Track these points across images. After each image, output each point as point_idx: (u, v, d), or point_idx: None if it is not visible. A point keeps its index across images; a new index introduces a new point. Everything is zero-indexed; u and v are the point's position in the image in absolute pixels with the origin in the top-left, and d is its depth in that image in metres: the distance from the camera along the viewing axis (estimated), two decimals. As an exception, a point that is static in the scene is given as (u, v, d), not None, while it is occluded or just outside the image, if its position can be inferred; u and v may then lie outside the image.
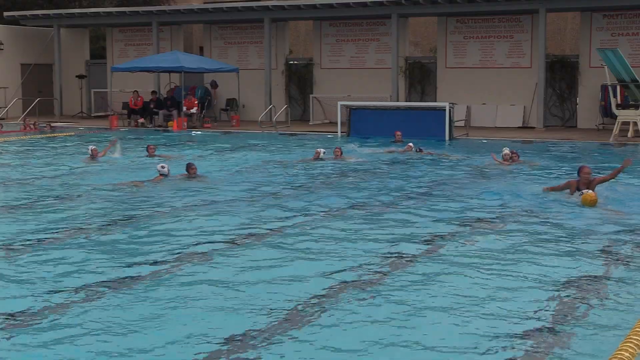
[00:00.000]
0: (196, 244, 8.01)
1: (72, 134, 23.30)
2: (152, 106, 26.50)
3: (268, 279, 6.62)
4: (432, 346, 5.13)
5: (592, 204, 10.02)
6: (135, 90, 26.96)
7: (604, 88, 22.74)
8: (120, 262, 7.31)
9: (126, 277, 6.72)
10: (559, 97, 25.37)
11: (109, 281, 6.61)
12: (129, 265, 7.14)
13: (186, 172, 12.88)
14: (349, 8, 25.50)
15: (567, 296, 6.26)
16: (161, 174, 12.47)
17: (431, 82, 26.69)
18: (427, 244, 8.15)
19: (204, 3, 31.55)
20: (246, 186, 12.44)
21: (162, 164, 12.72)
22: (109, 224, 9.15)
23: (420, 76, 26.96)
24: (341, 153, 15.86)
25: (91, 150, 15.74)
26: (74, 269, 7.04)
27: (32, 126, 24.22)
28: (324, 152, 15.50)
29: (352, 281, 6.59)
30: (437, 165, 15.22)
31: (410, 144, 17.04)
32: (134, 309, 5.83)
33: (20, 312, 5.74)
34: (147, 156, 15.84)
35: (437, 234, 8.68)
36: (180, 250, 7.76)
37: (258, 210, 10.09)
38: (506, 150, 15.03)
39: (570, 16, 29.33)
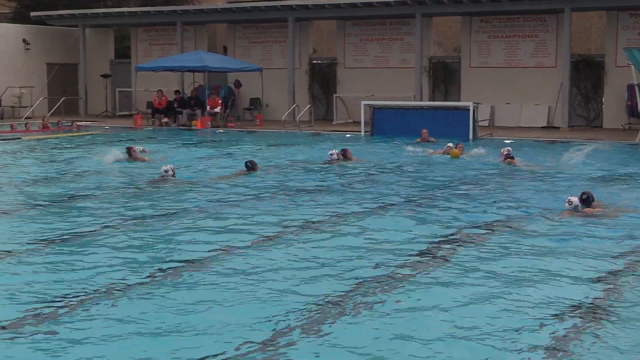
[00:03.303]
0: (217, 244, 8.06)
1: (97, 132, 23.49)
2: (176, 105, 26.55)
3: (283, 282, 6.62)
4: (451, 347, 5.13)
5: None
6: (160, 90, 27.00)
7: (630, 87, 22.45)
8: (152, 259, 7.42)
9: (161, 273, 6.86)
10: (584, 97, 25.10)
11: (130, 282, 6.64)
12: (167, 261, 7.29)
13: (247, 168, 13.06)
14: (373, 7, 25.41)
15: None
16: (166, 177, 12.32)
17: (455, 81, 26.58)
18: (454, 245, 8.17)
19: (228, 3, 31.55)
20: (269, 184, 12.48)
21: (165, 167, 12.55)
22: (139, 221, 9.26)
23: (444, 76, 26.89)
24: (345, 156, 15.55)
25: (127, 149, 15.34)
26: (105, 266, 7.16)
27: (50, 125, 24.27)
28: (332, 154, 15.32)
29: (372, 281, 6.61)
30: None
31: (450, 144, 16.85)
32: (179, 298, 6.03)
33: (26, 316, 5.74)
34: (127, 159, 15.05)
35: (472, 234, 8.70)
36: (208, 249, 7.82)
37: (280, 209, 10.18)
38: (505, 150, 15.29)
39: (595, 15, 29.01)
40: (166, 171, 12.48)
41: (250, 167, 13.65)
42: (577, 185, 12.19)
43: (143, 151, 16.28)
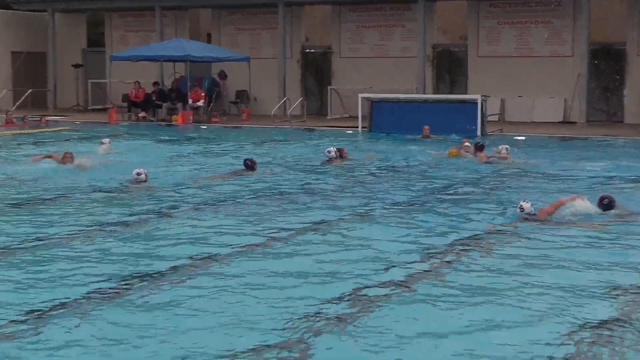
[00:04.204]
0: (224, 246, 8.43)
1: (67, 128, 23.44)
2: (154, 98, 26.56)
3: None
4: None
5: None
6: (137, 81, 26.93)
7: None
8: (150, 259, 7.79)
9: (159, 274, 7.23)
10: (603, 89, 25.05)
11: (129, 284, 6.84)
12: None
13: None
14: (371, -9, 25.53)
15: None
16: (138, 180, 12.22)
17: (461, 72, 26.63)
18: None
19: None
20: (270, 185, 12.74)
21: (138, 169, 12.44)
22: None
23: (449, 66, 26.96)
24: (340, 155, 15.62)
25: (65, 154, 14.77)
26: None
27: (15, 120, 24.12)
28: (329, 152, 15.40)
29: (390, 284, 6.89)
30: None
31: (467, 142, 16.75)
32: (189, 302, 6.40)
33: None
34: (60, 161, 14.39)
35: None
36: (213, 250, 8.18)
37: (282, 211, 10.49)
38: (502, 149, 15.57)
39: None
40: (138, 174, 12.35)
41: (250, 165, 13.71)
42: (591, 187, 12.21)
43: (103, 144, 16.50)
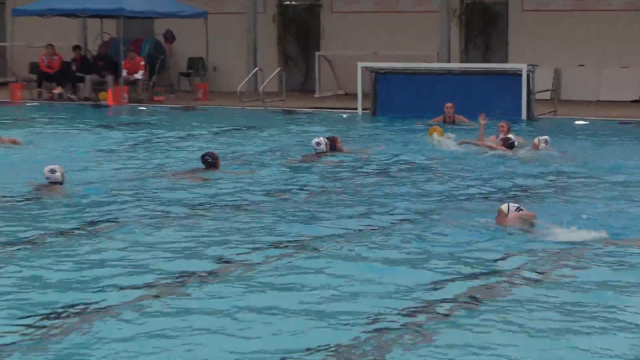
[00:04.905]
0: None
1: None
2: (74, 69, 26.54)
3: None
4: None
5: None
6: (49, 45, 26.92)
7: None
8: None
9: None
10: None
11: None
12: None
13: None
14: None
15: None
16: (52, 182, 12.24)
17: (500, 33, 26.86)
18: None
19: None
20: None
21: (52, 166, 12.37)
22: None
23: (483, 24, 27.06)
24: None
25: None
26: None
27: None
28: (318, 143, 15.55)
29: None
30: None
31: (511, 135, 16.73)
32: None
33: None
34: None
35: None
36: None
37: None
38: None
39: None
40: (52, 171, 12.27)
41: (211, 162, 13.85)
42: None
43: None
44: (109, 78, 25.89)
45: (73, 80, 26.45)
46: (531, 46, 25.54)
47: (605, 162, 15.25)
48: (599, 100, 24.79)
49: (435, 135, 17.06)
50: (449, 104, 19.70)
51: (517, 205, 10.23)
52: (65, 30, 28.42)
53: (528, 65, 21.23)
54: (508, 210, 10.01)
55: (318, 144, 15.40)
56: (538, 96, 21.56)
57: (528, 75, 20.89)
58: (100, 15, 26.78)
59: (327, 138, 15.72)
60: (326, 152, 15.38)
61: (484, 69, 22.95)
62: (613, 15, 25.41)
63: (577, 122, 20.21)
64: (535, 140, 16.10)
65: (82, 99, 25.79)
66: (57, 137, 18.32)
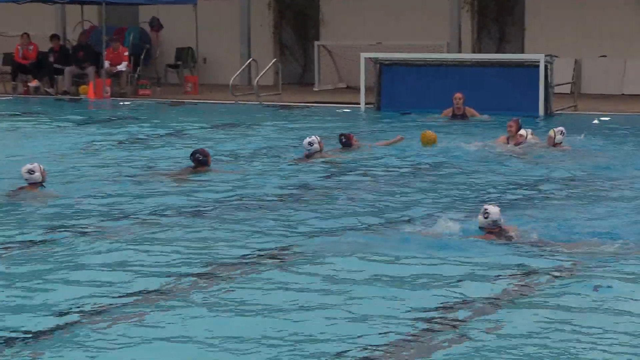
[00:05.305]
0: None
1: None
2: (52, 60, 26.38)
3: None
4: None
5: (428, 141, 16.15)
6: (25, 34, 26.86)
7: None
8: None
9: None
10: None
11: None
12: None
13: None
14: None
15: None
16: (31, 183, 12.21)
17: (515, 21, 26.85)
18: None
19: None
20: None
21: (30, 165, 12.29)
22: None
23: (497, 11, 27.06)
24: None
25: None
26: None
27: None
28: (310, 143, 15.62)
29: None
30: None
31: (523, 131, 16.78)
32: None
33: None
34: None
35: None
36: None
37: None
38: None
39: None
40: (30, 172, 12.11)
41: (202, 160, 13.98)
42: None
43: None
44: (90, 70, 26.01)
45: (51, 72, 26.72)
46: (550, 35, 25.52)
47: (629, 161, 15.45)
48: (622, 94, 24.65)
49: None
50: (458, 95, 19.86)
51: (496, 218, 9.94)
52: (42, 18, 28.68)
53: (546, 56, 21.13)
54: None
55: (310, 144, 15.41)
56: (557, 90, 21.67)
57: (546, 67, 20.87)
58: (81, 1, 26.85)
59: (342, 135, 16.06)
60: (320, 151, 15.40)
61: (498, 60, 23.13)
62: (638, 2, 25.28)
63: (598, 119, 20.15)
64: (551, 132, 16.12)
65: (60, 92, 26.04)
66: (34, 134, 18.43)
